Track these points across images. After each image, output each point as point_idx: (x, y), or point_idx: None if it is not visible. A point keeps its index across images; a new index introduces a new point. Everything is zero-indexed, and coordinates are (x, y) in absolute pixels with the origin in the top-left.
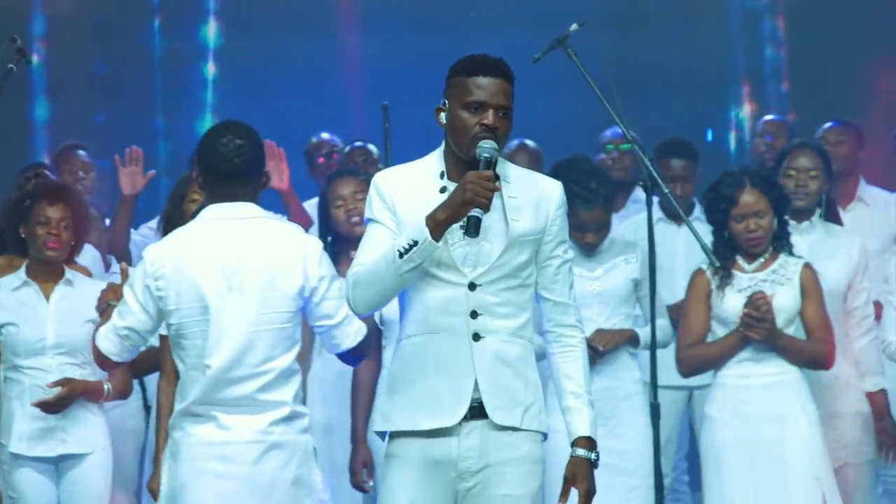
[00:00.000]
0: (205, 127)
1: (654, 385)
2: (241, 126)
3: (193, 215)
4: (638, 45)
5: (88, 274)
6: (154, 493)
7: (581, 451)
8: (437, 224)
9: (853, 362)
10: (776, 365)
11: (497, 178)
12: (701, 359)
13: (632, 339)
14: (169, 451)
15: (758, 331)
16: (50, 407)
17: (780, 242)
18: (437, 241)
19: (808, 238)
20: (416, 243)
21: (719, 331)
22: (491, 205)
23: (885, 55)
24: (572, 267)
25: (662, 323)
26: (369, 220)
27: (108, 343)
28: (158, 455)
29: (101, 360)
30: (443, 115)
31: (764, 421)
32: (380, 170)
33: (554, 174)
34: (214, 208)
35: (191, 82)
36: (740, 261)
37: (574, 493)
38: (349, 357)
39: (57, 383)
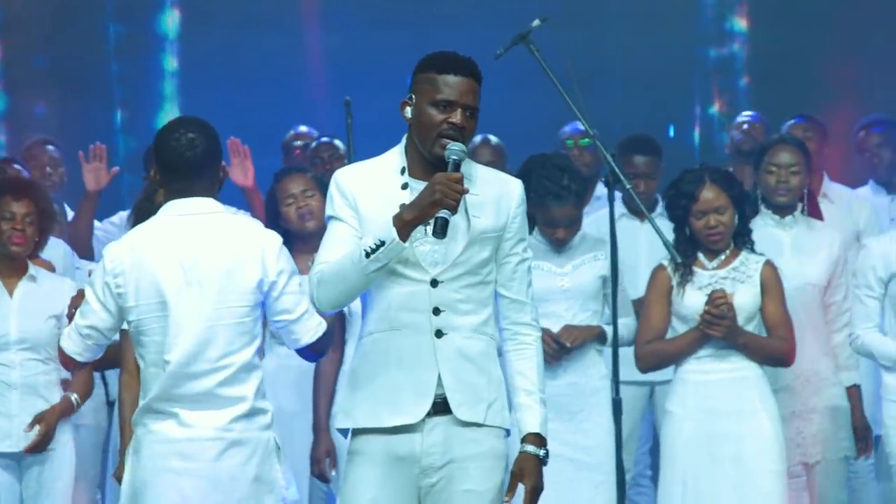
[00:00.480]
0: (164, 121)
1: (615, 381)
2: (194, 120)
3: None
4: (600, 41)
5: (52, 269)
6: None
7: (530, 448)
8: (405, 224)
9: (831, 357)
10: (737, 361)
11: (462, 176)
12: (660, 355)
13: (599, 336)
14: (132, 447)
15: (718, 329)
16: (38, 447)
17: (741, 240)
18: (405, 241)
19: (790, 233)
20: (382, 243)
21: (679, 328)
22: (458, 206)
23: (846, 52)
24: (531, 266)
25: (628, 321)
26: (330, 217)
27: (72, 343)
28: (122, 448)
29: (66, 360)
30: (408, 109)
31: (724, 416)
32: (345, 165)
33: (525, 170)
34: (173, 204)
35: (150, 74)
36: (701, 258)
37: (521, 490)
38: (308, 353)
39: (32, 424)
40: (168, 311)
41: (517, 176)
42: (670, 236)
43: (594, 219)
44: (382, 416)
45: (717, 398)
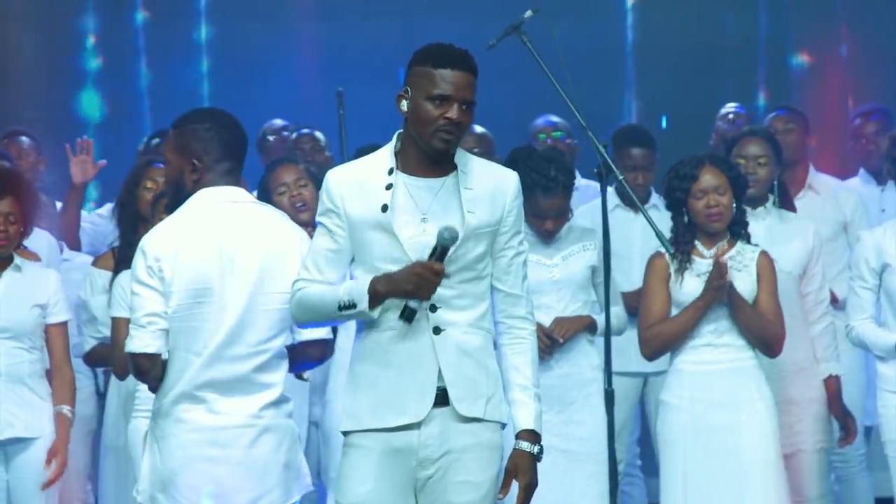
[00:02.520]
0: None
1: (608, 372)
2: (217, 111)
3: (155, 201)
4: (592, 32)
5: (38, 260)
6: None
7: (524, 444)
8: (376, 295)
9: (808, 347)
10: (733, 351)
11: (442, 270)
12: (663, 337)
13: (590, 326)
14: (153, 436)
15: (721, 292)
16: (59, 477)
17: (738, 229)
18: (372, 310)
19: (762, 224)
20: (354, 305)
21: None
22: (432, 295)
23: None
24: (527, 258)
25: (617, 310)
26: (319, 222)
27: (137, 341)
28: None
29: (138, 363)
30: (404, 102)
31: (720, 407)
32: (328, 158)
33: (511, 161)
34: (206, 192)
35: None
36: (699, 246)
37: (515, 487)
38: (300, 358)
39: (48, 460)
40: (210, 296)
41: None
42: (664, 228)
43: (587, 209)
44: (387, 417)
45: (712, 389)
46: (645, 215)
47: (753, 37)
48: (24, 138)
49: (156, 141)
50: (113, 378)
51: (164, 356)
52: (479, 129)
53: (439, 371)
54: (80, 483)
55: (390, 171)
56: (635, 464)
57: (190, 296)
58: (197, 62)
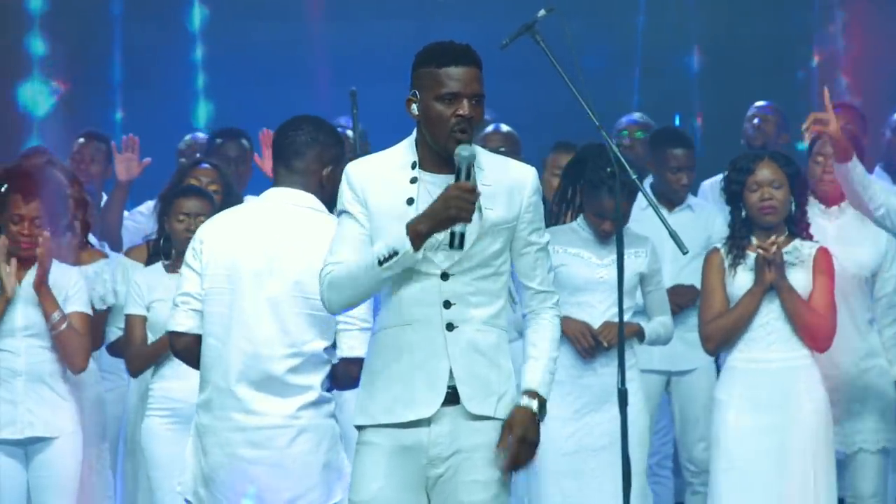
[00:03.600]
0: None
1: (621, 371)
2: (310, 118)
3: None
4: (606, 31)
5: (104, 256)
6: None
7: (524, 399)
8: (418, 235)
9: (874, 349)
10: (785, 349)
11: (475, 186)
12: (723, 330)
13: (637, 334)
14: (196, 430)
15: (769, 269)
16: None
17: (797, 227)
18: (417, 251)
19: (836, 223)
20: (396, 253)
21: None
22: (473, 215)
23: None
24: (549, 250)
25: (665, 319)
26: (341, 211)
27: (171, 321)
28: None
29: (175, 341)
30: (414, 106)
31: (768, 406)
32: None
33: (581, 159)
34: (274, 191)
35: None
36: (754, 242)
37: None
38: (343, 378)
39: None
40: (243, 294)
41: (572, 163)
42: (707, 228)
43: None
44: (397, 411)
45: (763, 388)
46: (658, 214)
47: (773, 35)
48: (101, 144)
49: (219, 141)
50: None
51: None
52: (504, 127)
53: (451, 369)
54: (105, 482)
55: (413, 165)
56: (665, 464)
57: (221, 290)
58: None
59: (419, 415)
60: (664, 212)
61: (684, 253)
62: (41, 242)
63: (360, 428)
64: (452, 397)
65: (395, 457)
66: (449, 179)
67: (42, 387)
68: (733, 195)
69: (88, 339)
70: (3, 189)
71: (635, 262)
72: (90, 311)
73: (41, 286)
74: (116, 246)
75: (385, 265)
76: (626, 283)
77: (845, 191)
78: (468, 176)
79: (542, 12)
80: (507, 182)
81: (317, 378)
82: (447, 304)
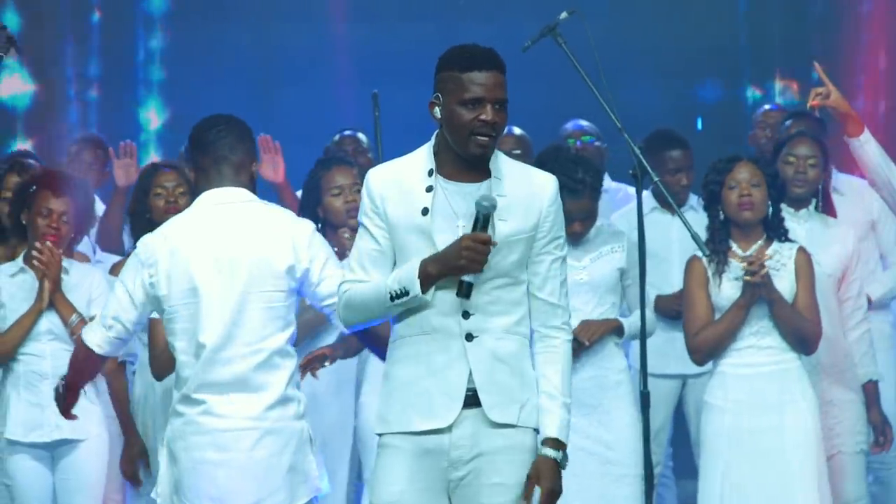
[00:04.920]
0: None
1: (643, 374)
2: (224, 116)
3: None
4: (627, 33)
5: (87, 261)
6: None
7: (548, 451)
8: (428, 277)
9: (847, 350)
10: (776, 353)
11: (490, 238)
12: (710, 342)
13: (617, 330)
14: (167, 437)
15: (758, 283)
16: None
17: (775, 232)
18: (425, 293)
19: (804, 226)
20: (407, 292)
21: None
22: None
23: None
24: (565, 264)
25: (647, 314)
26: (361, 222)
27: (93, 335)
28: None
29: (83, 354)
30: (437, 109)
31: (763, 409)
32: (370, 159)
33: (539, 163)
34: (208, 194)
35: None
36: (735, 248)
37: (537, 493)
38: (366, 337)
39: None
40: (199, 297)
41: None
42: (700, 230)
43: (624, 213)
44: (414, 420)
45: (756, 391)
46: (680, 217)
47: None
48: (99, 151)
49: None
50: (152, 379)
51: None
52: (517, 130)
53: (470, 374)
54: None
55: (430, 173)
56: (667, 464)
57: (181, 296)
58: (231, 64)
59: (435, 425)
60: (666, 214)
61: (705, 254)
62: (48, 255)
63: (379, 434)
64: (473, 400)
65: (417, 460)
66: (469, 188)
67: None
68: (712, 196)
69: None
70: (31, 190)
71: (613, 258)
72: None
73: (54, 293)
74: (118, 251)
75: (396, 301)
76: (609, 279)
77: (863, 168)
78: (485, 226)
79: (563, 14)
80: (525, 192)
81: (282, 375)
82: (466, 315)
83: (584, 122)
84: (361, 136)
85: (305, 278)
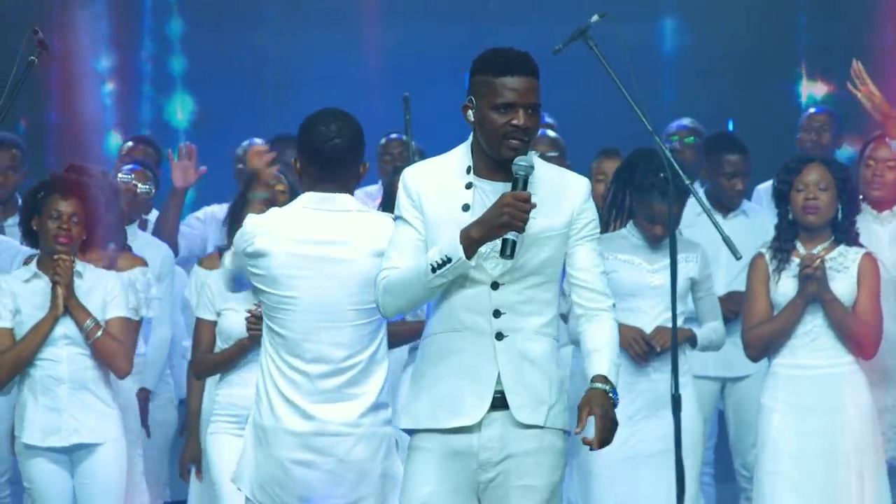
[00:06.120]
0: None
1: (675, 377)
2: (340, 112)
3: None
4: (658, 36)
5: (144, 264)
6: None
7: (598, 384)
8: (472, 242)
9: None
10: (829, 356)
11: (530, 196)
12: (764, 338)
13: (690, 339)
14: (252, 437)
15: (811, 281)
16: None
17: (843, 235)
18: (470, 259)
19: (889, 227)
20: (449, 260)
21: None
22: (526, 225)
23: None
24: (601, 249)
25: (717, 325)
26: (397, 217)
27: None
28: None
29: None
30: (470, 112)
31: (812, 411)
32: (403, 162)
33: (631, 162)
34: (310, 196)
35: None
36: (800, 247)
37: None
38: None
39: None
40: (297, 305)
41: (622, 168)
42: (761, 233)
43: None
44: (442, 417)
45: (808, 393)
46: (711, 219)
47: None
48: (149, 149)
49: (277, 147)
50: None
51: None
52: (551, 133)
53: (499, 375)
54: (158, 487)
55: (469, 170)
56: (707, 472)
57: (278, 300)
58: (261, 69)
59: (462, 423)
60: (718, 217)
61: (738, 258)
62: (62, 265)
63: (408, 432)
64: (501, 402)
65: (446, 461)
66: (503, 187)
67: (86, 394)
68: (781, 196)
69: (130, 344)
70: (40, 195)
71: (686, 268)
72: (131, 316)
73: (69, 300)
74: (173, 252)
75: (438, 272)
76: (678, 289)
77: None
78: (524, 186)
79: (595, 17)
80: (556, 192)
81: (375, 384)
82: (497, 314)
83: (689, 122)
84: (406, 138)
85: None
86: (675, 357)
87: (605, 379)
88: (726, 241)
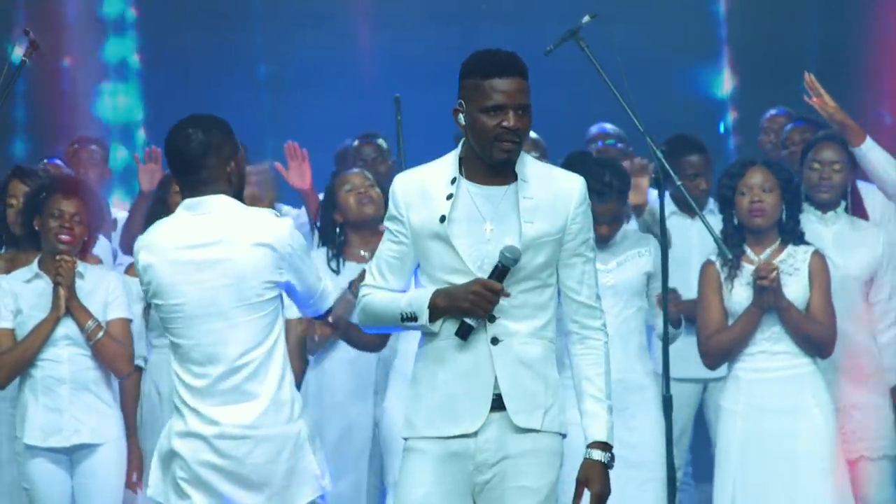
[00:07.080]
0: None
1: (666, 377)
2: (197, 116)
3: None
4: (649, 36)
5: (99, 262)
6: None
7: (596, 454)
8: (437, 310)
9: (874, 353)
10: (790, 358)
11: (502, 289)
12: (723, 345)
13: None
14: (165, 439)
15: (767, 292)
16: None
17: (790, 235)
18: (432, 323)
19: (832, 229)
20: (416, 318)
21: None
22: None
23: None
24: (595, 264)
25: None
26: (386, 226)
27: None
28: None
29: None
30: (461, 116)
31: (776, 413)
32: (390, 165)
33: (566, 166)
34: (185, 203)
35: None
36: (749, 252)
37: (587, 496)
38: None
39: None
40: (185, 311)
41: None
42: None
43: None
44: (440, 426)
45: (769, 396)
46: (702, 220)
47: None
48: (94, 147)
49: (356, 144)
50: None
51: None
52: (532, 134)
53: (496, 378)
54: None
55: (453, 181)
56: (687, 471)
57: (168, 309)
58: (254, 69)
59: (464, 430)
60: (686, 218)
61: (728, 257)
62: (64, 266)
63: (406, 438)
64: (498, 404)
65: (442, 463)
66: (492, 191)
67: (87, 394)
68: (725, 200)
69: (130, 345)
70: (42, 195)
71: (640, 262)
72: (131, 317)
73: (70, 301)
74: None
75: (405, 323)
76: (635, 283)
77: (871, 176)
78: (502, 278)
79: (586, 18)
80: (551, 194)
81: (271, 381)
82: (492, 318)
83: (607, 126)
84: (382, 141)
85: (290, 280)
86: (665, 358)
87: (603, 446)
88: (717, 240)
